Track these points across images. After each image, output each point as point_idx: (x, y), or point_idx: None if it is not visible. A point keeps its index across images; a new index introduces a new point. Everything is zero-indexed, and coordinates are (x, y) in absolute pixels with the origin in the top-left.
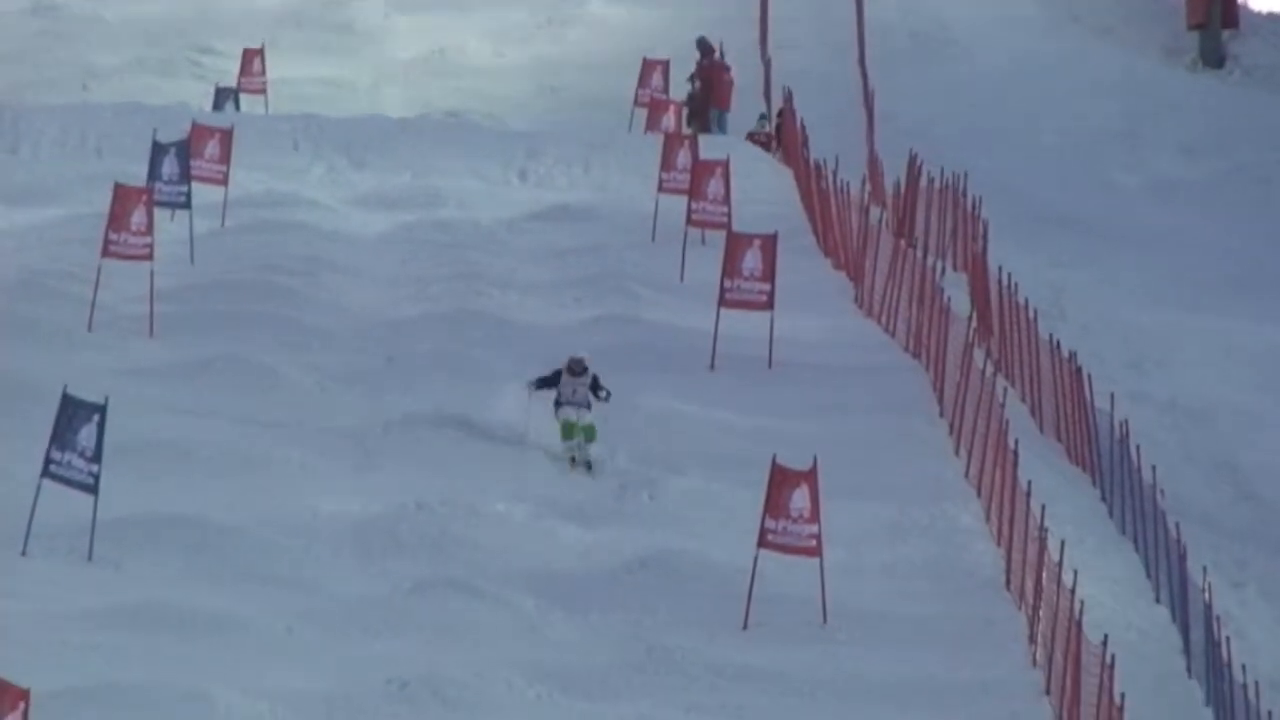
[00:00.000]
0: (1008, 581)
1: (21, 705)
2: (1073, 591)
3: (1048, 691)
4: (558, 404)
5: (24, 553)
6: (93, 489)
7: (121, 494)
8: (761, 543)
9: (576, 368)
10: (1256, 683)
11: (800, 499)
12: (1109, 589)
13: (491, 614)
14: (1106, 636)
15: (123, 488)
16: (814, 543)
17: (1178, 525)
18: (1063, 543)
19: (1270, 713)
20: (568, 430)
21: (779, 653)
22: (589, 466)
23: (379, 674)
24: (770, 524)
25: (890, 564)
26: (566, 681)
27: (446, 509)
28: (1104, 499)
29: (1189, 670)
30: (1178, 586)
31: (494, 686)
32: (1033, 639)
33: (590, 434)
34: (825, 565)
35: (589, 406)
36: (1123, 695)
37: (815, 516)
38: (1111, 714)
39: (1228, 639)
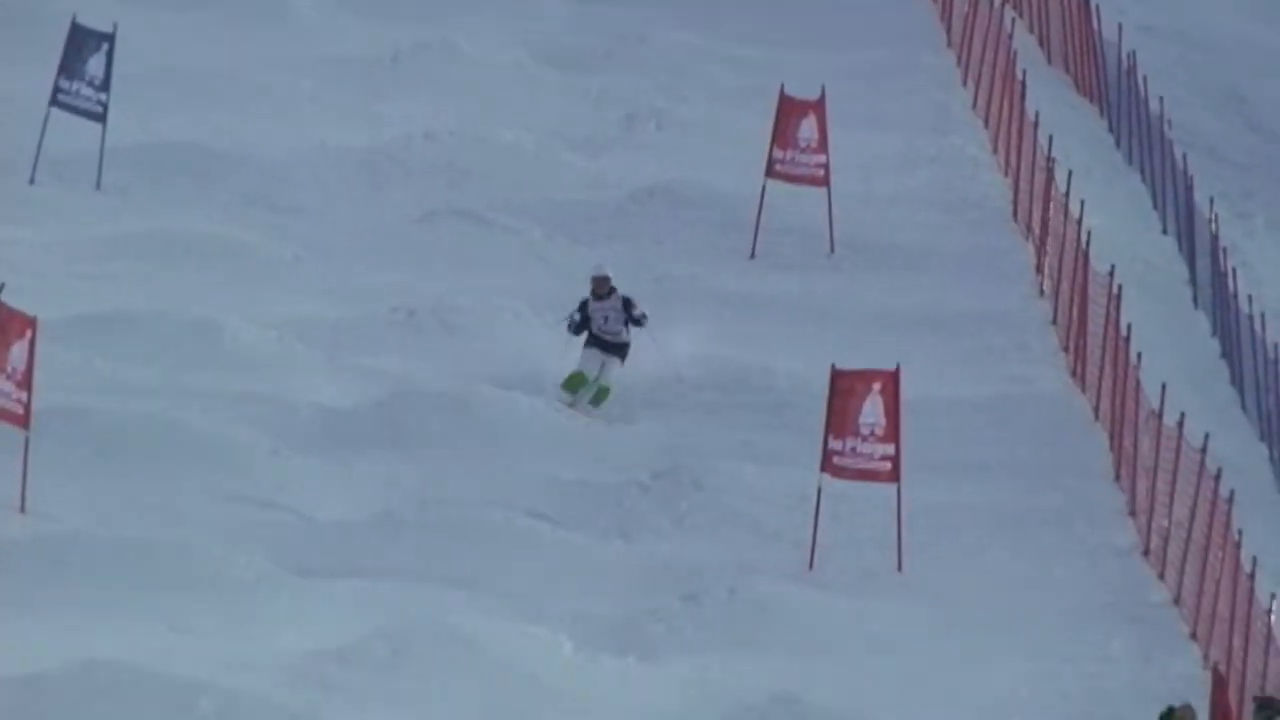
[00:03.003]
0: (1015, 211)
1: (29, 333)
2: (1079, 221)
3: (1054, 321)
4: (588, 339)
5: (32, 181)
6: (101, 117)
7: (129, 123)
8: (769, 172)
9: (600, 288)
10: (1263, 314)
11: (808, 129)
12: (1116, 219)
13: (499, 243)
14: (1113, 267)
15: (131, 116)
16: (821, 172)
17: (1185, 156)
18: (1070, 173)
19: (1277, 345)
20: (572, 382)
21: (786, 281)
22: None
23: (385, 302)
24: (778, 154)
25: (897, 194)
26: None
27: (454, 138)
28: (1111, 129)
29: (1195, 301)
30: (1184, 217)
31: (500, 314)
32: (1040, 269)
33: (601, 397)
34: (833, 195)
35: (621, 349)
36: (1129, 325)
37: (823, 146)
38: (1118, 344)
39: (1234, 270)
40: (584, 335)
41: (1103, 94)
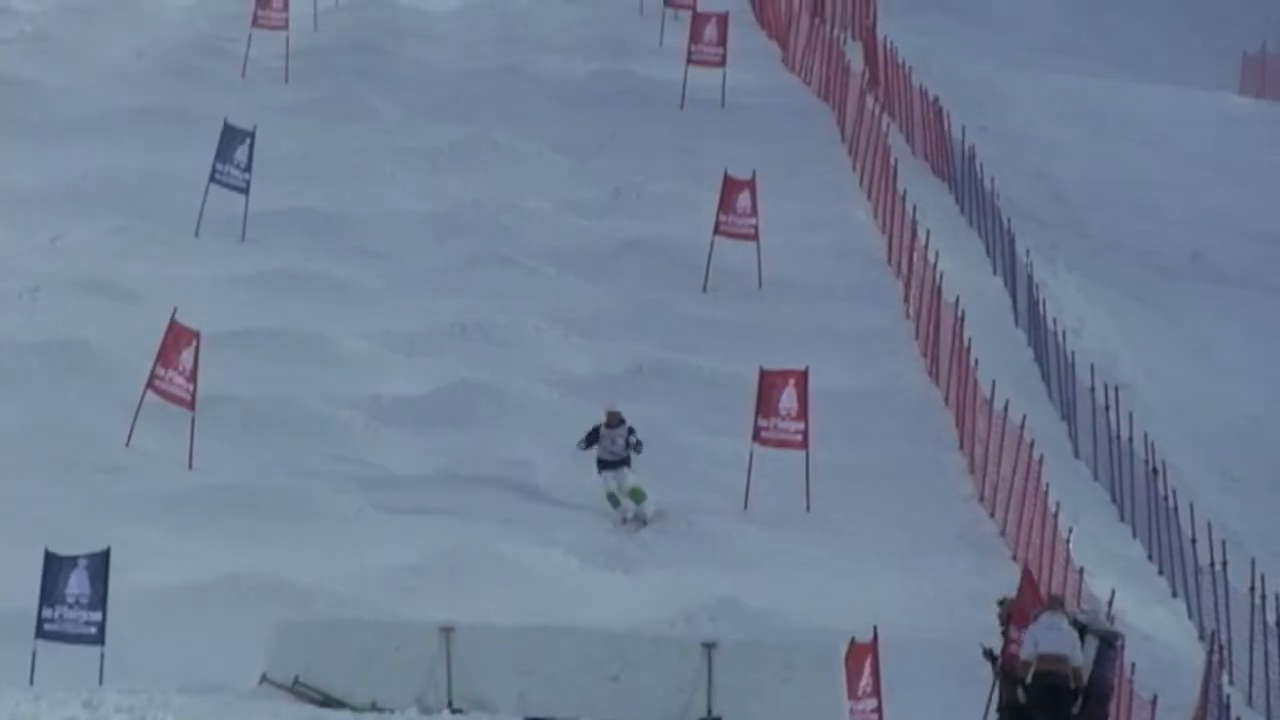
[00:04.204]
0: (889, 258)
1: (194, 342)
2: (935, 265)
3: (916, 336)
4: (599, 463)
5: (197, 235)
6: (245, 190)
7: (267, 193)
8: (716, 230)
9: (613, 420)
10: (1064, 331)
11: (744, 199)
12: (960, 264)
13: (525, 279)
14: (958, 297)
15: (268, 189)
16: (754, 230)
17: (1009, 219)
18: (928, 231)
19: (1073, 353)
20: (613, 501)
21: (728, 307)
22: (644, 522)
23: (446, 320)
24: (723, 217)
25: (806, 246)
26: (578, 326)
27: (493, 205)
28: (957, 201)
29: (1016, 321)
30: (1008, 262)
31: (525, 329)
32: (906, 299)
33: (638, 496)
34: (761, 247)
35: (628, 462)
36: (969, 338)
37: (754, 212)
38: (962, 351)
39: (1044, 300)
40: (594, 456)
41: (951, 175)
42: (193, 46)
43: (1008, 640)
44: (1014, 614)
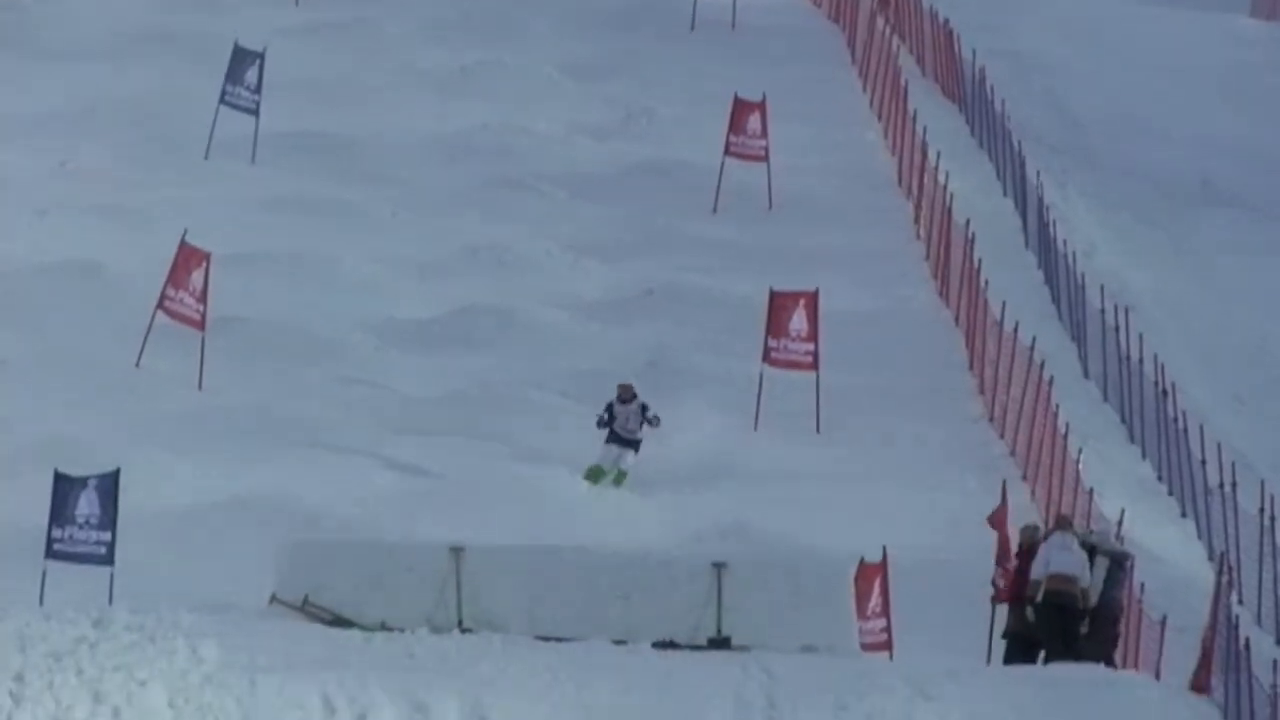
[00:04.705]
0: (899, 180)
1: (205, 263)
2: (945, 187)
3: (927, 257)
4: (609, 435)
5: (206, 157)
6: (255, 112)
7: (277, 116)
8: (726, 152)
9: (625, 395)
10: (1074, 253)
11: (754, 121)
12: (970, 186)
13: (535, 202)
14: (969, 220)
15: (278, 111)
16: (764, 151)
17: (1019, 142)
18: (938, 153)
19: (1083, 274)
20: (592, 474)
21: (738, 229)
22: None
23: (456, 243)
24: (733, 138)
25: (816, 168)
26: (589, 250)
27: (503, 128)
28: (968, 123)
29: (1026, 244)
30: (1018, 185)
31: (537, 253)
32: (917, 220)
33: (619, 480)
34: (772, 168)
35: (635, 444)
36: (979, 260)
37: (765, 133)
38: (972, 273)
39: (1054, 222)
40: (606, 431)
41: (961, 98)
42: None
43: (1006, 570)
44: (1002, 542)
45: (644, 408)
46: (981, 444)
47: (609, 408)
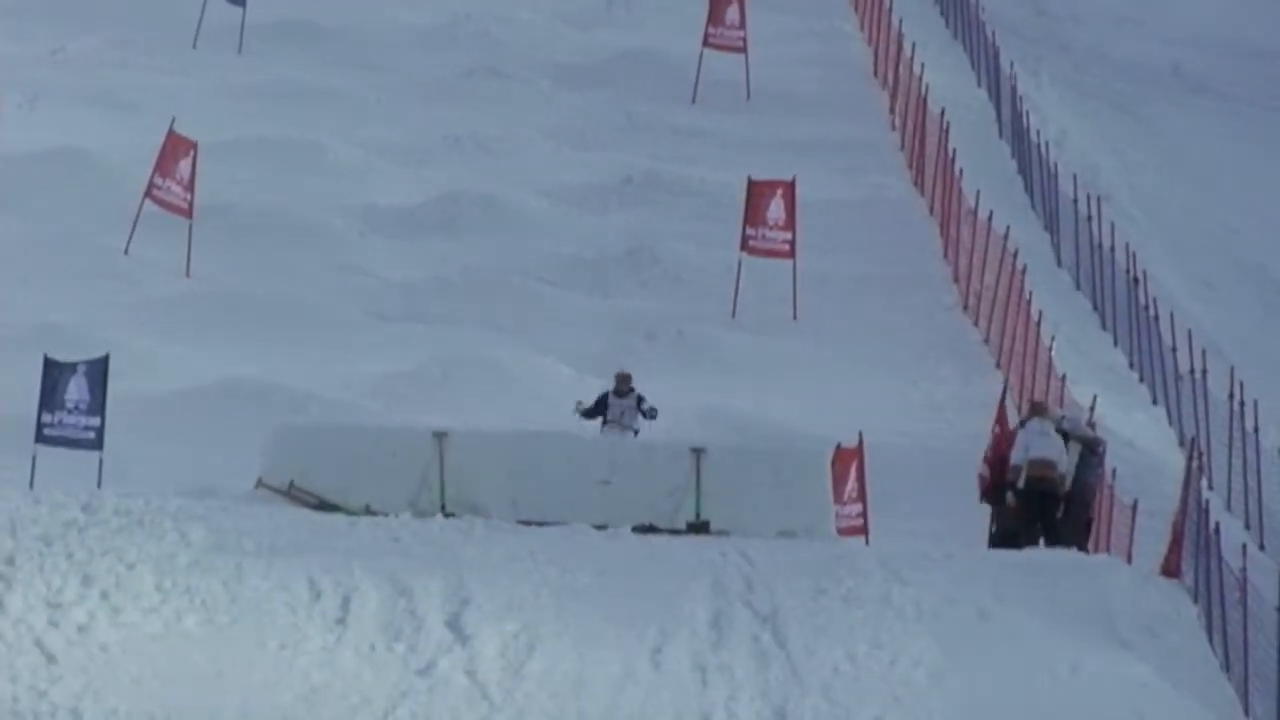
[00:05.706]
0: (875, 70)
1: (191, 152)
2: (920, 78)
3: (902, 147)
4: (604, 427)
5: (194, 46)
6: (242, 3)
7: (264, 5)
8: (705, 42)
9: (622, 386)
10: (1047, 143)
11: (733, 11)
12: (945, 76)
13: (519, 91)
14: (944, 109)
15: (265, 1)
16: (742, 41)
17: (993, 33)
18: (914, 44)
19: (1056, 163)
20: None
21: (717, 118)
22: None
23: (440, 131)
24: (712, 29)
25: (795, 58)
26: (570, 138)
27: (486, 18)
28: (942, 14)
29: (1000, 133)
30: (992, 75)
31: (519, 141)
32: (892, 110)
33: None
34: (750, 59)
35: (635, 434)
36: (954, 149)
37: (743, 24)
38: (946, 163)
39: (1027, 112)
40: (598, 421)
41: None
42: None
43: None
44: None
45: (640, 400)
46: (956, 331)
47: (601, 399)
